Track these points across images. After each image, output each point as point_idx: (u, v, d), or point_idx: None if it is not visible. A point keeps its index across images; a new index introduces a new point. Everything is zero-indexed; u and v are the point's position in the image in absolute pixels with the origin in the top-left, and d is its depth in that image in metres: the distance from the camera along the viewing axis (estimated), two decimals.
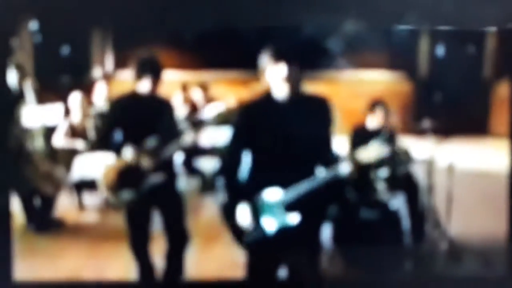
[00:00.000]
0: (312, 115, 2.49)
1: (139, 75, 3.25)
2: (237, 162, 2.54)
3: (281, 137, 2.46)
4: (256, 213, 2.48)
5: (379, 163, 3.66)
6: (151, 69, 3.25)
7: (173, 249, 3.38)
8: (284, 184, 2.47)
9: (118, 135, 3.27)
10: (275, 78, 2.42)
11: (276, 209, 2.49)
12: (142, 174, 3.26)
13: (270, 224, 2.49)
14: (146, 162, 3.22)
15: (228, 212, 2.55)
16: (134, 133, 3.25)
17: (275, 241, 2.49)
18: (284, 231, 2.47)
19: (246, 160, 2.55)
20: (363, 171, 3.65)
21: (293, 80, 2.44)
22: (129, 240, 3.33)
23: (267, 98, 2.51)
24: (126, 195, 3.26)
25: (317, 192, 2.46)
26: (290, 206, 2.47)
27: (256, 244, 2.51)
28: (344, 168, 2.40)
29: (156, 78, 3.25)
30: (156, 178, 3.26)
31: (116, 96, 3.41)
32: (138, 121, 3.24)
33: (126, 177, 3.26)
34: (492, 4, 3.42)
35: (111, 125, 3.32)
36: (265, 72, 2.48)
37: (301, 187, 2.44)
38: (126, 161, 3.24)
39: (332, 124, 2.56)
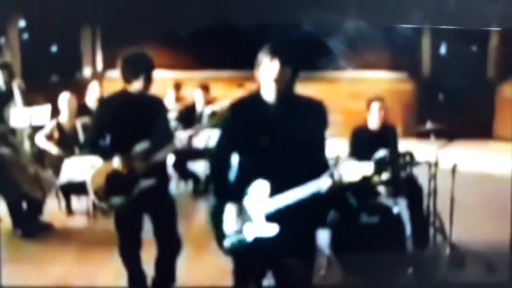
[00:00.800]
0: (304, 118, 2.35)
1: (130, 76, 3.12)
2: (224, 163, 2.45)
3: (268, 140, 2.35)
4: (240, 218, 2.40)
5: (381, 167, 3.58)
6: (142, 69, 3.13)
7: (164, 256, 3.29)
8: (271, 189, 2.38)
9: (107, 137, 3.16)
10: (266, 76, 2.32)
11: (256, 217, 2.40)
12: (133, 178, 3.16)
13: (249, 231, 2.41)
14: (137, 166, 3.12)
15: (214, 215, 2.47)
16: (125, 134, 3.14)
17: (257, 248, 2.40)
18: (264, 240, 2.38)
19: (234, 162, 2.46)
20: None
21: (285, 81, 2.33)
22: (118, 246, 3.23)
23: (256, 98, 2.40)
24: (116, 200, 3.16)
25: (303, 202, 2.36)
26: (272, 216, 2.38)
27: (236, 251, 2.43)
28: (326, 183, 2.30)
29: (148, 78, 3.14)
30: (147, 183, 3.16)
31: (106, 96, 3.27)
32: (129, 121, 3.12)
33: (115, 181, 3.16)
34: (495, 4, 3.34)
35: (100, 126, 3.20)
36: (258, 70, 2.37)
37: (285, 198, 2.36)
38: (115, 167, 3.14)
39: (325, 130, 2.44)
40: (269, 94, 2.35)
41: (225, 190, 2.44)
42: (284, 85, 2.31)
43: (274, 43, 2.33)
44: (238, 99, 2.49)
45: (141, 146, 3.09)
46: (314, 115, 2.38)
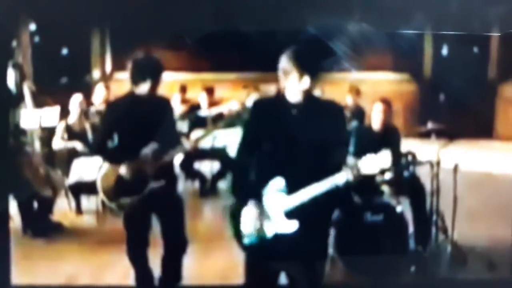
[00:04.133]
0: (325, 120, 2.44)
1: (139, 79, 3.15)
2: (248, 162, 2.51)
3: (290, 140, 2.42)
4: (260, 216, 2.44)
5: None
6: (151, 72, 3.16)
7: (171, 255, 3.30)
8: (289, 187, 2.44)
9: (115, 140, 3.20)
10: (295, 86, 2.43)
11: (275, 214, 2.45)
12: (142, 179, 3.19)
13: (269, 229, 2.45)
14: (146, 168, 3.15)
15: (234, 213, 2.52)
16: (132, 135, 3.17)
17: (274, 247, 2.44)
18: (284, 237, 2.43)
19: (255, 160, 2.52)
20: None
21: (310, 90, 2.45)
22: (126, 245, 3.26)
23: (280, 99, 2.49)
24: (125, 200, 3.19)
25: (320, 198, 2.42)
26: (291, 213, 2.43)
27: (254, 248, 2.47)
28: (342, 178, 2.36)
29: (156, 81, 3.17)
30: (156, 184, 3.19)
31: (114, 98, 3.31)
32: (137, 123, 3.16)
33: (125, 182, 3.19)
34: (496, 7, 3.38)
35: (108, 128, 3.24)
36: (284, 77, 2.45)
37: (303, 194, 2.41)
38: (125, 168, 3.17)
39: (344, 131, 2.53)
40: (294, 96, 2.44)
41: (246, 188, 2.48)
42: (309, 93, 2.44)
43: (301, 54, 2.42)
44: (263, 99, 2.56)
45: (149, 148, 3.13)
46: (336, 117, 2.50)
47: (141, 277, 3.27)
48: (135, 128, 3.10)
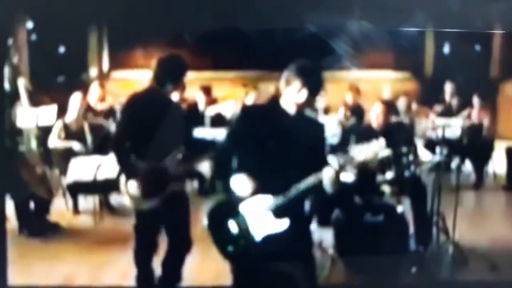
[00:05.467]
0: (308, 134, 2.53)
1: (163, 82, 3.06)
2: (228, 162, 2.52)
3: (279, 144, 2.46)
4: (243, 220, 2.44)
5: (385, 166, 3.60)
6: (174, 77, 3.12)
7: (175, 255, 3.26)
8: (272, 190, 2.47)
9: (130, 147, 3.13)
10: (290, 97, 2.49)
11: (263, 216, 2.44)
12: (165, 182, 3.16)
13: (259, 231, 2.44)
14: (170, 172, 3.13)
15: (215, 219, 2.52)
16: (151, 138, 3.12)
17: (262, 250, 2.44)
18: (271, 240, 2.42)
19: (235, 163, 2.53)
20: (368, 174, 3.60)
21: (305, 106, 2.54)
22: (136, 248, 3.21)
23: (274, 105, 2.55)
24: (147, 203, 3.13)
25: (320, 197, 2.42)
26: (279, 211, 2.43)
27: (242, 254, 2.46)
28: (326, 174, 2.37)
29: (178, 85, 3.15)
30: (176, 186, 3.16)
31: (132, 94, 3.20)
32: (160, 127, 3.11)
33: (149, 184, 3.13)
34: (498, 5, 3.35)
35: (126, 128, 3.16)
36: (286, 84, 2.50)
37: (288, 194, 2.43)
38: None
39: (324, 147, 2.67)
40: (288, 107, 2.51)
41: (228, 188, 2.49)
42: (302, 108, 2.52)
43: (307, 69, 2.48)
44: (255, 104, 2.60)
45: (175, 154, 3.10)
46: (317, 133, 2.59)
47: (143, 277, 3.23)
48: (155, 131, 3.04)
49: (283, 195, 2.42)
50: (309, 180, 2.40)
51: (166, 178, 3.09)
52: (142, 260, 3.19)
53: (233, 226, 2.48)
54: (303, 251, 2.51)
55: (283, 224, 2.43)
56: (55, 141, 4.35)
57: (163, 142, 3.00)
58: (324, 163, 2.46)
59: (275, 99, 2.56)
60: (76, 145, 4.33)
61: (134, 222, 3.15)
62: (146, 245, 3.17)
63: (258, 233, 2.45)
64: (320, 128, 2.62)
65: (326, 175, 2.38)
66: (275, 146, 2.43)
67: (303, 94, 2.45)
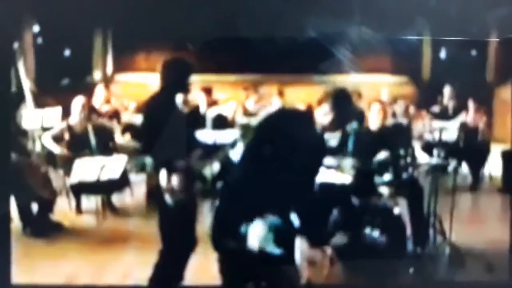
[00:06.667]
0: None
1: (169, 85, 3.16)
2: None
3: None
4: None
5: (382, 168, 3.65)
6: (179, 79, 3.18)
7: (180, 254, 3.28)
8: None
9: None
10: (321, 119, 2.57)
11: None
12: (193, 178, 3.26)
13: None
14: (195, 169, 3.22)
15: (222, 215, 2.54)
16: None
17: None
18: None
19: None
20: (366, 176, 3.65)
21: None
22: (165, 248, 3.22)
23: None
24: (181, 196, 3.17)
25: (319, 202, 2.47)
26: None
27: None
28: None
29: (183, 87, 3.22)
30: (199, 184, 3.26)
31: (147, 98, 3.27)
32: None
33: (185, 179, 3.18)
34: (495, 12, 3.41)
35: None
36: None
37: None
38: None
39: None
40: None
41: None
42: None
43: (338, 102, 2.55)
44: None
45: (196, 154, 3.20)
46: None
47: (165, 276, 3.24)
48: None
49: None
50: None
51: (194, 175, 3.20)
52: (177, 259, 3.22)
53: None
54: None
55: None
56: (47, 140, 4.39)
57: (170, 143, 3.08)
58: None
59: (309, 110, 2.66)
60: (56, 149, 4.37)
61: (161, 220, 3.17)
62: (182, 241, 3.20)
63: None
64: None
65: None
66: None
67: (328, 118, 2.51)
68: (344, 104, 2.52)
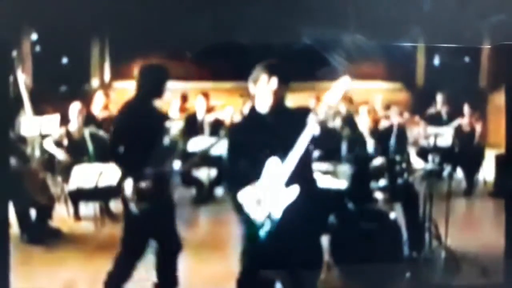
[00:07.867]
0: (295, 127, 2.53)
1: (144, 90, 3.12)
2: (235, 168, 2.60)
3: (265, 148, 2.53)
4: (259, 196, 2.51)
5: (378, 173, 3.66)
6: (155, 85, 3.18)
7: (167, 257, 3.24)
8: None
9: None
10: (264, 91, 2.54)
11: (276, 187, 2.50)
12: (165, 186, 3.19)
13: (273, 203, 2.50)
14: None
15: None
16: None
17: (269, 252, 2.49)
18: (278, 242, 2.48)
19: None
20: (362, 182, 3.67)
21: (280, 95, 2.55)
22: (121, 252, 3.22)
23: (252, 112, 2.63)
24: (145, 205, 3.18)
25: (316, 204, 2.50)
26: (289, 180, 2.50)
27: (251, 255, 2.52)
28: (312, 128, 2.46)
29: (159, 93, 3.22)
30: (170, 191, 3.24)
31: (122, 105, 3.27)
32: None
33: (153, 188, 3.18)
34: (487, 20, 3.45)
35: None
36: (254, 84, 2.57)
37: (292, 158, 2.48)
38: None
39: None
40: (265, 106, 2.55)
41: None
42: (280, 98, 2.54)
43: (271, 62, 2.55)
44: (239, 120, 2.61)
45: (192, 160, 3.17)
46: (303, 120, 2.55)
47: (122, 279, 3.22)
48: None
49: (290, 161, 2.47)
50: (302, 143, 2.45)
51: (165, 183, 3.15)
52: (127, 264, 3.20)
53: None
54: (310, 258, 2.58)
55: (294, 190, 2.47)
56: (49, 144, 4.42)
57: (147, 150, 3.05)
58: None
59: (251, 108, 2.62)
60: (60, 154, 4.38)
61: (124, 227, 3.17)
62: (135, 250, 3.18)
63: (274, 208, 2.50)
64: (304, 114, 2.57)
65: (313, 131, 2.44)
66: (264, 149, 2.50)
67: (274, 82, 2.48)
68: (276, 64, 2.53)
